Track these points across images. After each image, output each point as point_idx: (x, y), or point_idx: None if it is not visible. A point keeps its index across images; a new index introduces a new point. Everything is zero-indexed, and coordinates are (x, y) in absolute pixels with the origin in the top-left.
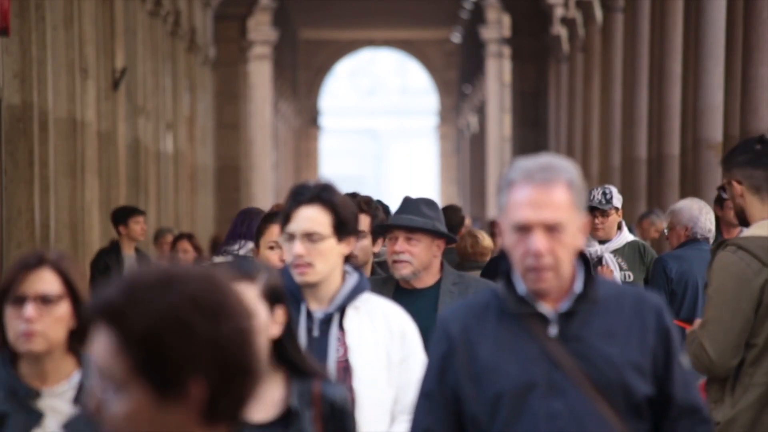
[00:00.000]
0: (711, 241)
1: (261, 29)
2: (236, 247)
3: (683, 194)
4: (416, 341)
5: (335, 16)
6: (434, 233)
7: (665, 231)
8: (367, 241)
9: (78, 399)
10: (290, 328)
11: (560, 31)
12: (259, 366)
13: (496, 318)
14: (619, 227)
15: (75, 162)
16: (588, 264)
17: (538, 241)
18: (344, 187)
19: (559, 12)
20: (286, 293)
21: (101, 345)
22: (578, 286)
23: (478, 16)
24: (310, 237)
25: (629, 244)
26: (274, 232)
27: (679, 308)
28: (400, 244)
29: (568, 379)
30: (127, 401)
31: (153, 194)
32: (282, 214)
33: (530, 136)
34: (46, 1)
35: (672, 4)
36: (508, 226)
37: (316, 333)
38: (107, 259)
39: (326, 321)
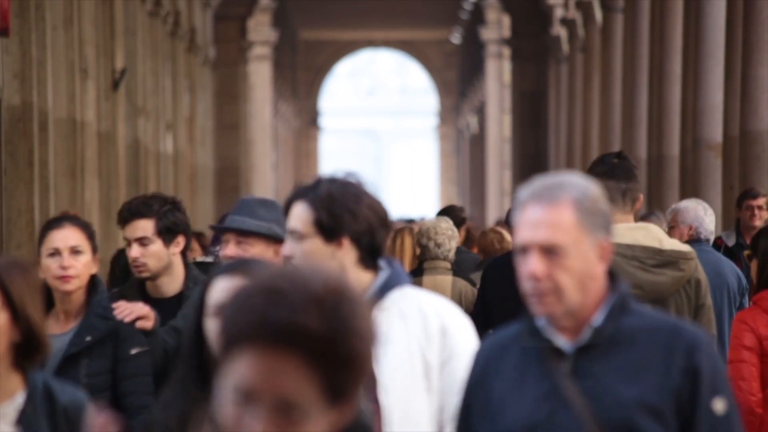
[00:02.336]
0: (711, 242)
1: (261, 30)
2: (218, 248)
3: (683, 195)
4: (461, 338)
5: (335, 17)
6: (268, 237)
7: (665, 228)
8: (156, 246)
9: (21, 421)
10: None
11: (560, 31)
12: None
13: (518, 351)
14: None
15: (75, 162)
16: (622, 294)
17: (533, 263)
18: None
19: (558, 12)
20: None
21: (291, 375)
22: (598, 319)
23: (477, 16)
24: (294, 234)
25: None
26: (53, 239)
27: None
28: (231, 249)
29: (574, 421)
30: (308, 429)
31: None
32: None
33: (530, 136)
34: (46, 2)
35: (672, 5)
36: (516, 249)
37: None
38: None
39: None
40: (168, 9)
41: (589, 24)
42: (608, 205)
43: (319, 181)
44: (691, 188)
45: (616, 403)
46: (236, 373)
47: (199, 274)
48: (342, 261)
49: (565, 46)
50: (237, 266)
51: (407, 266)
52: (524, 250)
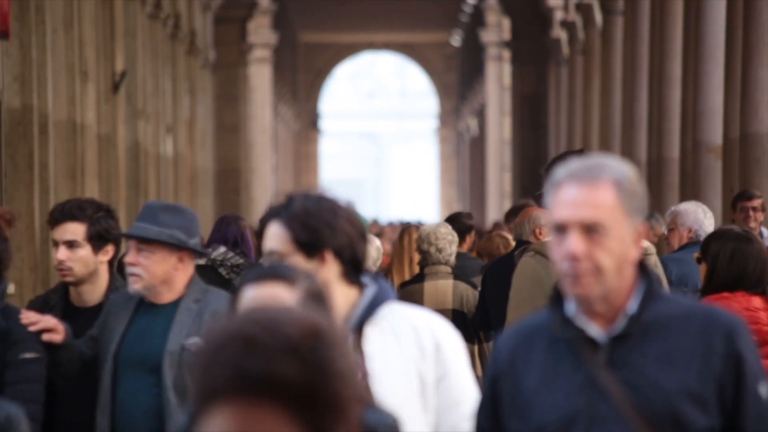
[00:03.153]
0: None
1: (261, 32)
2: (210, 250)
3: (683, 197)
4: (455, 354)
5: (335, 19)
6: (171, 244)
7: (665, 231)
8: (84, 251)
9: None
10: None
11: (560, 34)
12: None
13: (546, 342)
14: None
15: (75, 165)
16: (651, 281)
17: (574, 242)
18: (344, 191)
19: (558, 15)
20: (328, 300)
21: (268, 429)
22: (632, 306)
23: (477, 19)
24: (272, 255)
25: None
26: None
27: None
28: (131, 256)
29: (613, 411)
30: None
31: (153, 197)
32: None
33: (530, 138)
34: (46, 4)
35: (672, 7)
36: (551, 229)
37: None
38: None
39: None
40: (168, 11)
41: (589, 26)
42: (645, 190)
43: (292, 199)
44: (691, 191)
45: (658, 392)
46: (214, 429)
47: (122, 284)
48: (326, 277)
49: (565, 49)
50: (267, 274)
51: (414, 264)
52: (562, 229)
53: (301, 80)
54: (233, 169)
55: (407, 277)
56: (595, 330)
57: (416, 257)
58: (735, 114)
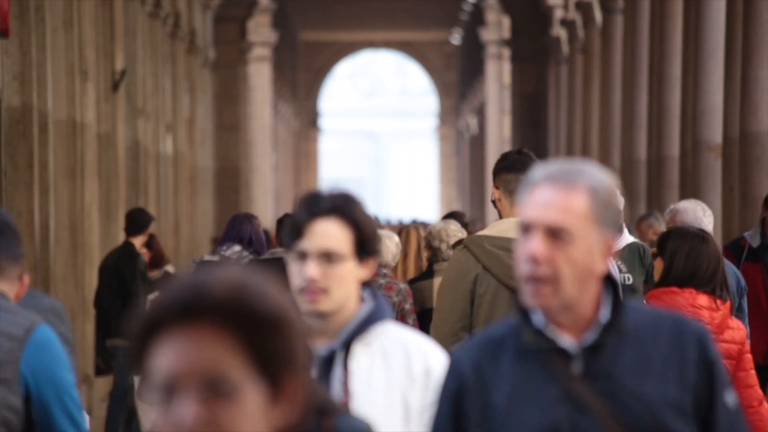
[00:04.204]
0: None
1: (261, 31)
2: (224, 248)
3: (683, 196)
4: None
5: (335, 18)
6: None
7: (664, 229)
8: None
9: None
10: None
11: (560, 32)
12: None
13: (513, 355)
14: (619, 229)
15: (75, 164)
16: (617, 290)
17: (535, 244)
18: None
19: (558, 14)
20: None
21: (209, 347)
22: (604, 315)
23: (477, 17)
24: (327, 257)
25: (628, 246)
26: None
27: None
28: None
29: (595, 423)
30: (243, 405)
31: (153, 196)
32: (291, 228)
33: (530, 137)
34: (46, 3)
35: (672, 6)
36: (518, 229)
37: (316, 374)
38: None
39: (329, 359)
40: (168, 10)
41: (589, 25)
42: (620, 205)
43: (343, 197)
44: (690, 189)
45: (640, 403)
46: (154, 369)
47: None
48: (362, 282)
49: (564, 48)
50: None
51: (411, 262)
52: (527, 229)
53: (301, 79)
54: (233, 167)
55: (408, 276)
56: (566, 341)
57: (413, 254)
58: (735, 113)
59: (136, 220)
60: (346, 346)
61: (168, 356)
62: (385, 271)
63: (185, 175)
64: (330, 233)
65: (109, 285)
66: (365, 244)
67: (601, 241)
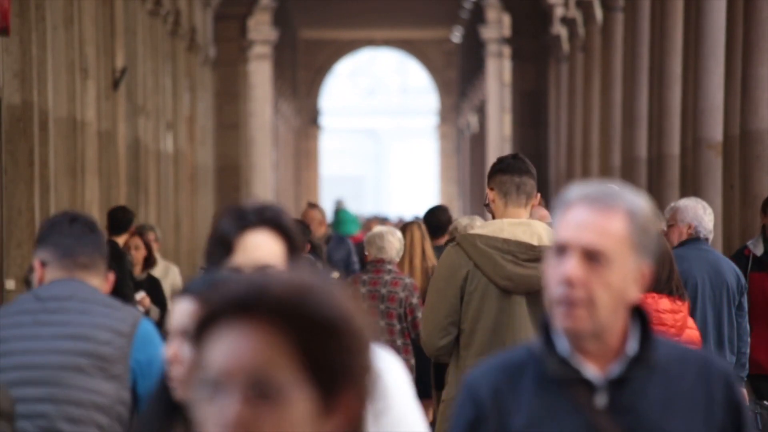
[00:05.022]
0: (710, 241)
1: (261, 29)
2: None
3: (683, 194)
4: (397, 389)
5: (335, 16)
6: None
7: (664, 227)
8: None
9: None
10: None
11: (560, 30)
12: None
13: (534, 382)
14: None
15: (75, 162)
16: (646, 323)
17: (572, 266)
18: (344, 187)
19: (559, 12)
20: None
21: (261, 346)
22: (632, 347)
23: (478, 15)
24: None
25: None
26: None
27: None
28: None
29: None
30: (288, 410)
31: (153, 194)
32: (217, 242)
33: (530, 135)
34: (47, 1)
35: (672, 4)
36: (552, 250)
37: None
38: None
39: None
40: (168, 8)
41: (590, 23)
42: (656, 231)
43: (273, 207)
44: (691, 188)
45: None
46: (205, 363)
47: None
48: None
49: (565, 46)
50: (200, 287)
51: (417, 258)
52: (562, 250)
53: (301, 77)
54: (233, 165)
55: (415, 272)
56: (591, 372)
57: (418, 255)
58: (735, 111)
59: (119, 219)
60: None
61: (219, 352)
62: (390, 267)
63: (186, 173)
64: (263, 246)
65: None
66: (295, 254)
67: (637, 268)
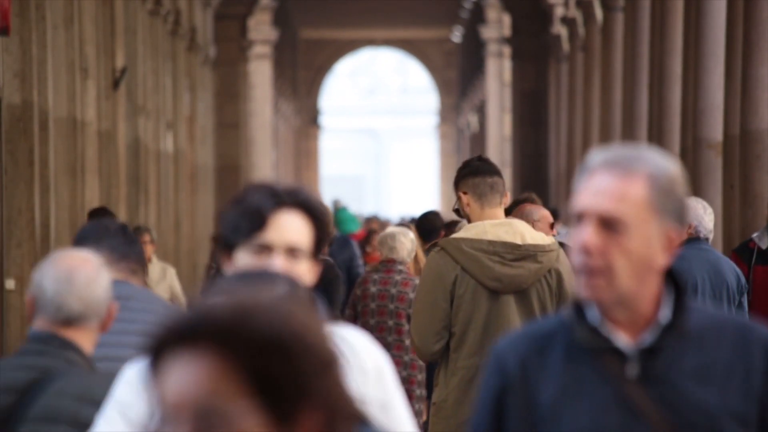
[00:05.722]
0: (710, 241)
1: (261, 29)
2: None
3: None
4: (394, 381)
5: (335, 16)
6: None
7: None
8: None
9: None
10: None
11: (560, 30)
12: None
13: (563, 352)
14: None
15: (75, 161)
16: (680, 289)
17: (588, 234)
18: (344, 187)
19: (559, 11)
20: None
21: (206, 376)
22: (665, 315)
23: (478, 15)
24: (292, 252)
25: None
26: None
27: None
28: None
29: (648, 431)
30: None
31: (153, 194)
32: (249, 215)
33: (530, 135)
34: (47, 1)
35: (672, 4)
36: (573, 217)
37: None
38: None
39: None
40: (168, 8)
41: (590, 23)
42: (687, 194)
43: (307, 192)
44: (691, 187)
45: (701, 411)
46: (156, 397)
47: None
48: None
49: (565, 45)
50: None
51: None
52: (580, 218)
53: (302, 77)
54: (233, 165)
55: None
56: (622, 340)
57: (421, 255)
58: (735, 111)
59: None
60: None
61: (167, 385)
62: (401, 267)
63: (186, 172)
64: (296, 226)
65: None
66: (321, 245)
67: (662, 233)
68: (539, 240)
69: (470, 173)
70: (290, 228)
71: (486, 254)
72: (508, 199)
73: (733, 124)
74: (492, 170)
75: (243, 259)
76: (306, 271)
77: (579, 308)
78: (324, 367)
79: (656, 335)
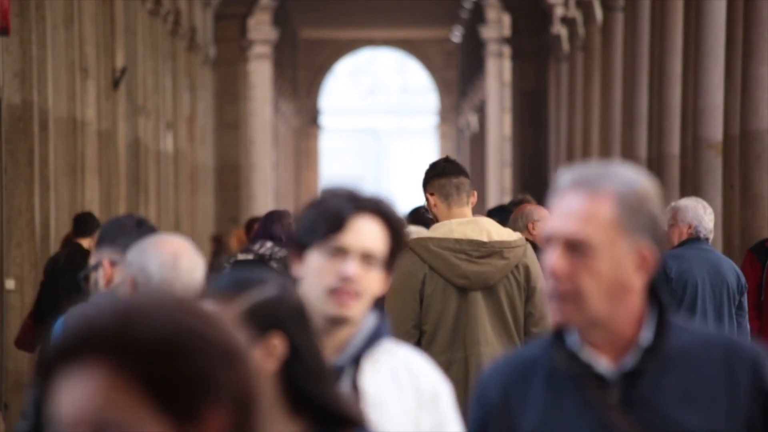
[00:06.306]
0: (710, 241)
1: (261, 28)
2: (257, 246)
3: (683, 194)
4: (451, 404)
5: (335, 16)
6: None
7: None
8: None
9: None
10: (304, 360)
11: (560, 30)
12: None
13: (544, 378)
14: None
15: (75, 161)
16: (663, 309)
17: (554, 259)
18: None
19: (559, 11)
20: (289, 316)
21: (98, 389)
22: (646, 337)
23: (478, 15)
24: (367, 258)
25: None
26: None
27: (678, 307)
28: None
29: None
30: None
31: (153, 194)
32: (326, 218)
33: (530, 135)
34: (46, 1)
35: (672, 4)
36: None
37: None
38: None
39: (335, 376)
40: (168, 8)
41: (590, 23)
42: (660, 210)
43: (387, 200)
44: (691, 187)
45: None
46: (53, 415)
47: None
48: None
49: (565, 45)
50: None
51: None
52: (549, 241)
53: (302, 77)
54: (233, 165)
55: None
56: (603, 365)
57: None
58: (735, 111)
59: (86, 223)
60: (355, 362)
61: (61, 405)
62: None
63: (186, 172)
64: (373, 233)
65: (67, 287)
66: (395, 256)
67: (634, 252)
68: (505, 236)
69: (436, 175)
70: (367, 234)
71: (453, 252)
72: (475, 199)
73: (733, 124)
74: (458, 171)
75: (315, 260)
76: (378, 280)
77: (559, 333)
78: (225, 360)
79: (638, 358)
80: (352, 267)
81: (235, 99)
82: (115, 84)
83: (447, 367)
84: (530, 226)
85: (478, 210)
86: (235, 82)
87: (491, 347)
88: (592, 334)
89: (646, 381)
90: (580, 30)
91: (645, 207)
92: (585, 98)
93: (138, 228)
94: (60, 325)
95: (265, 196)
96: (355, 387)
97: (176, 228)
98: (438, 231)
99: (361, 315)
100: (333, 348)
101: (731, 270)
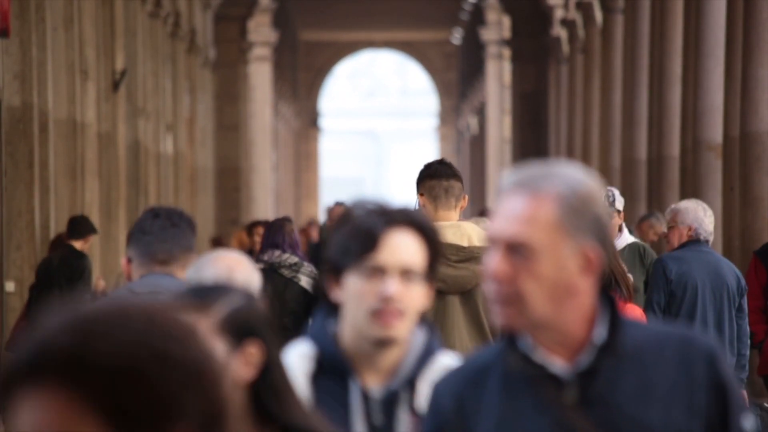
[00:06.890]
0: (710, 243)
1: (261, 30)
2: (266, 256)
3: (683, 195)
4: None
5: (335, 18)
6: None
7: (665, 229)
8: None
9: None
10: (270, 376)
11: (560, 32)
12: (233, 411)
13: (499, 382)
14: (620, 229)
15: (75, 163)
16: (614, 306)
17: (494, 262)
18: (344, 189)
19: (559, 13)
20: (262, 324)
21: (55, 414)
22: (599, 335)
23: (478, 17)
24: (406, 275)
25: (629, 246)
26: None
27: (679, 309)
28: None
29: None
30: None
31: (153, 195)
32: (359, 236)
33: (530, 137)
34: (47, 3)
35: (672, 6)
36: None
37: (378, 421)
38: None
39: (390, 402)
40: (168, 10)
41: (589, 25)
42: (605, 210)
43: (415, 210)
44: (691, 189)
45: None
46: (18, 421)
47: None
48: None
49: (565, 47)
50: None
51: None
52: (490, 244)
53: (302, 78)
54: (233, 167)
55: None
56: (558, 365)
57: None
58: (735, 112)
59: (80, 225)
60: (410, 385)
61: (19, 427)
62: None
63: (185, 174)
64: (409, 247)
65: (60, 286)
66: (434, 266)
67: (577, 253)
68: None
69: (428, 176)
70: (403, 248)
71: None
72: (465, 203)
73: (733, 126)
74: (450, 174)
75: (353, 283)
76: (420, 295)
77: (511, 336)
78: (192, 381)
79: (593, 357)
80: (391, 286)
81: (235, 101)
82: (115, 86)
83: None
84: None
85: (477, 211)
86: (235, 84)
87: (467, 351)
88: (540, 336)
89: (603, 379)
90: (580, 32)
91: (588, 208)
92: (585, 100)
93: (152, 222)
94: None
95: (265, 198)
96: (413, 412)
97: None
98: None
99: (407, 333)
100: (384, 372)
101: (731, 272)
